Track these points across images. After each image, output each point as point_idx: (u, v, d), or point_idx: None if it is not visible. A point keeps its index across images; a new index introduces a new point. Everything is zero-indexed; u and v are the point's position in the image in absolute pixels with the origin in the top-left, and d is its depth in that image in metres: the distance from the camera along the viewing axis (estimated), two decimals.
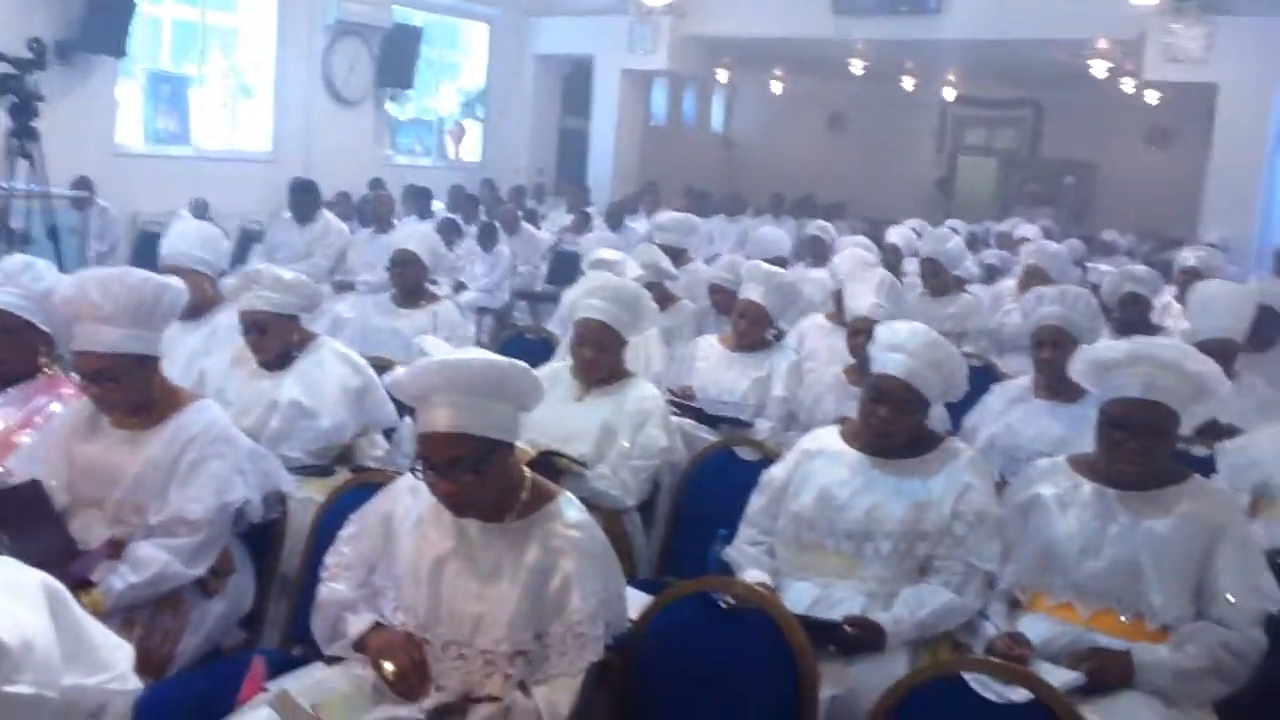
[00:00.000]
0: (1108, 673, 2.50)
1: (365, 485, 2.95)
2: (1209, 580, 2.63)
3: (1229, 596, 2.60)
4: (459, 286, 8.63)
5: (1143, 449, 2.68)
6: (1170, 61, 11.87)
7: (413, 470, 2.31)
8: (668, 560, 3.60)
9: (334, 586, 2.48)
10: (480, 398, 2.22)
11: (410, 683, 2.29)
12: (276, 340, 3.79)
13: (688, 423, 4.25)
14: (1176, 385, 2.68)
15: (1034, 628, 2.69)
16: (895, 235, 8.23)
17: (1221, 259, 7.79)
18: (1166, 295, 7.00)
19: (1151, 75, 12.42)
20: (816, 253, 7.95)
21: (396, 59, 12.63)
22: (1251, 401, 4.35)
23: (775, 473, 3.08)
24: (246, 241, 9.01)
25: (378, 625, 2.39)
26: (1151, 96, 16.39)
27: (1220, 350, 4.09)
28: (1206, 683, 2.53)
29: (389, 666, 2.29)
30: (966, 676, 2.24)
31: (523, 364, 2.31)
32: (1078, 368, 2.92)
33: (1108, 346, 2.84)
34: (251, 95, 12.50)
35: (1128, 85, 15.90)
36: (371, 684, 2.34)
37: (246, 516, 2.95)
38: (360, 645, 2.37)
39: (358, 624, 2.39)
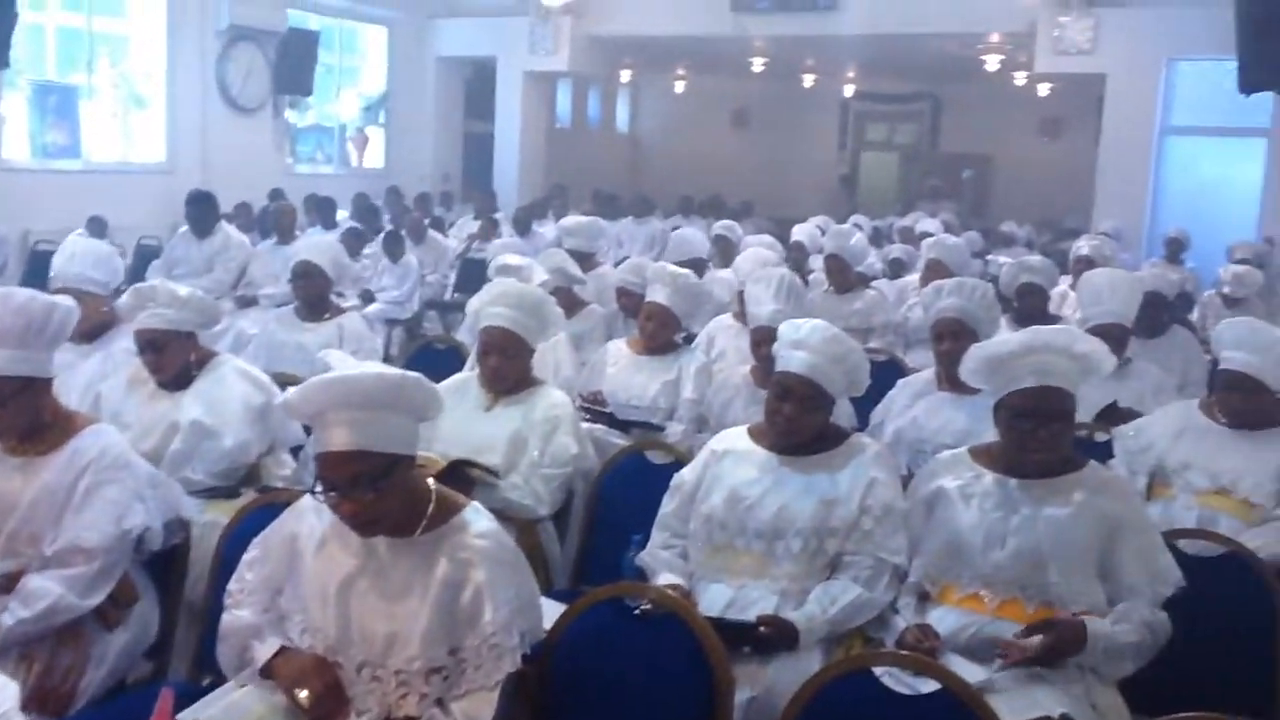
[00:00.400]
0: (1065, 642, 2.53)
1: (271, 506, 2.89)
2: (1112, 566, 2.71)
3: (1131, 587, 2.68)
4: (367, 297, 8.52)
5: (1051, 435, 2.75)
6: (1059, 54, 12.19)
7: (313, 492, 2.26)
8: (584, 569, 3.59)
9: (238, 614, 2.42)
10: (376, 412, 2.18)
11: (327, 707, 2.26)
12: (174, 359, 3.70)
13: (599, 429, 4.26)
14: (1068, 368, 2.77)
15: (943, 619, 2.74)
16: (800, 233, 8.33)
17: (1114, 247, 8.03)
18: (1063, 285, 7.20)
19: (1042, 68, 12.74)
20: (723, 252, 8.01)
21: (294, 64, 12.40)
22: (1146, 386, 4.50)
23: (685, 475, 3.09)
24: (145, 258, 8.78)
25: (284, 650, 2.33)
26: (1043, 89, 16.85)
27: (1110, 335, 4.23)
28: (1130, 658, 2.60)
29: (303, 694, 2.25)
30: (877, 670, 2.27)
31: (417, 375, 2.27)
32: (968, 367, 2.94)
33: (998, 342, 2.91)
34: (144, 105, 12.17)
35: (1020, 78, 16.32)
36: (284, 706, 2.29)
37: (146, 544, 2.87)
38: (268, 671, 2.32)
39: (263, 650, 2.34)
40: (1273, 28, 6.88)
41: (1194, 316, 7.95)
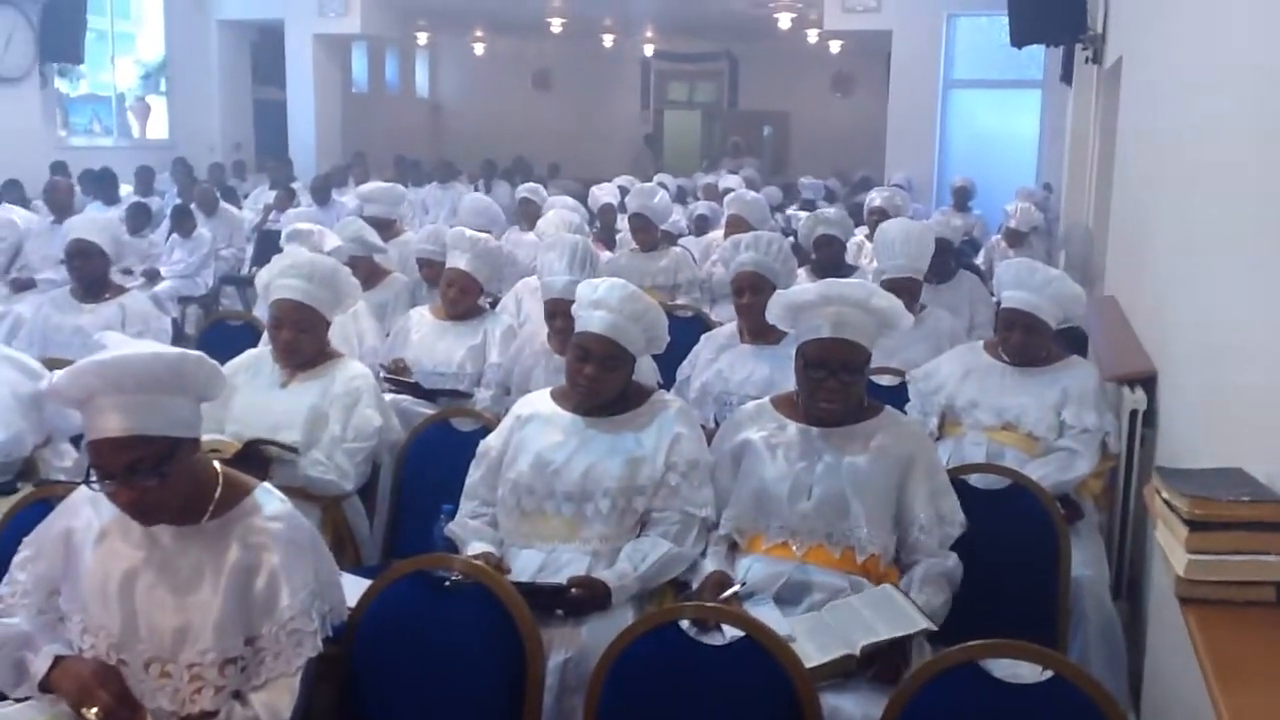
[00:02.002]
0: (889, 669, 2.46)
1: (47, 500, 2.70)
2: (902, 508, 2.82)
3: (921, 528, 2.79)
4: (152, 275, 8.09)
5: (841, 385, 2.83)
6: (847, 11, 12.57)
7: (87, 482, 2.11)
8: (394, 543, 3.51)
9: (8, 622, 2.25)
10: (151, 394, 2.05)
11: (121, 717, 2.12)
12: None
13: (405, 399, 4.16)
14: (864, 322, 2.85)
15: (754, 568, 2.80)
16: (604, 193, 8.33)
17: (905, 198, 8.34)
18: (859, 235, 7.43)
19: (832, 25, 13.09)
20: (528, 215, 7.94)
21: (60, 30, 11.55)
22: (943, 332, 4.66)
23: (491, 442, 3.05)
24: None
25: (60, 660, 2.18)
26: (834, 46, 17.35)
27: (905, 289, 4.38)
28: (943, 613, 2.69)
29: (92, 711, 2.10)
30: (682, 623, 2.29)
31: (197, 354, 2.15)
32: (774, 312, 3.03)
33: (799, 290, 2.97)
34: None
35: (812, 36, 16.73)
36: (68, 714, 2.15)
37: None
38: (46, 685, 2.16)
39: (39, 662, 2.18)
40: None
41: (980, 261, 8.37)
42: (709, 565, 2.83)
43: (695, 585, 2.79)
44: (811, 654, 2.42)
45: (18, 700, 2.23)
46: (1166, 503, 2.03)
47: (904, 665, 2.46)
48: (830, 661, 2.43)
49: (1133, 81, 5.31)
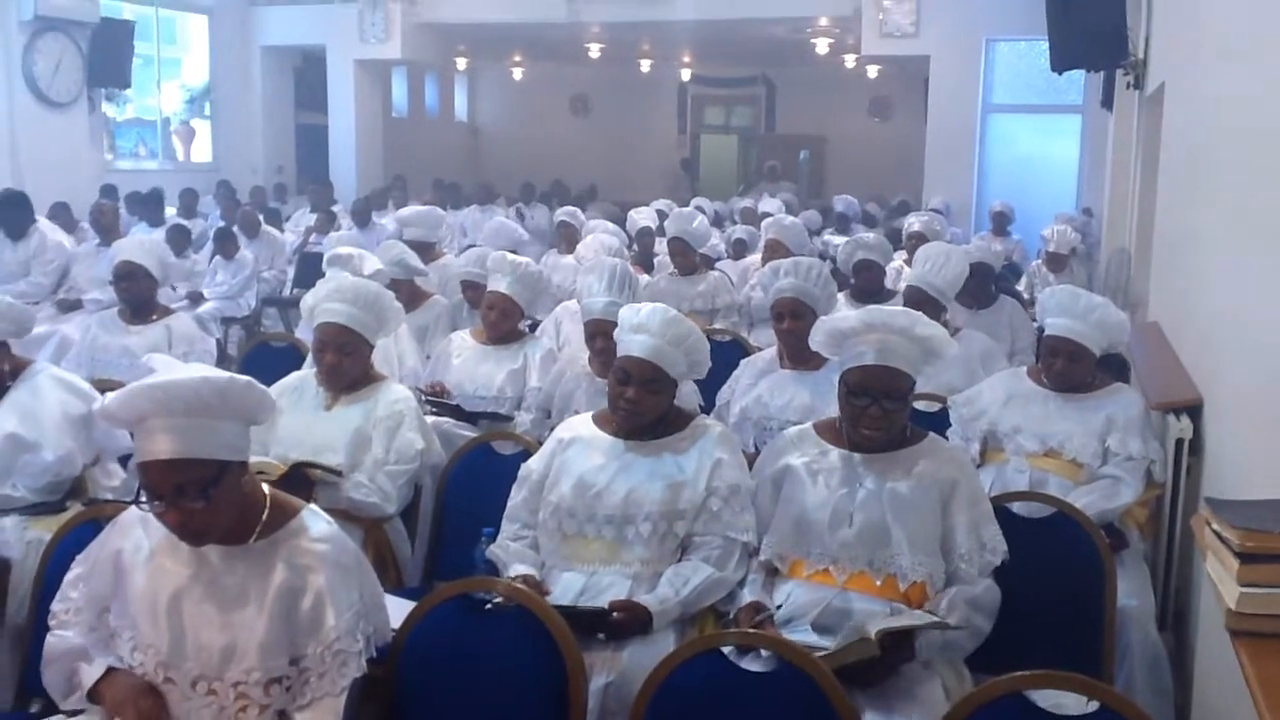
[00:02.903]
0: (894, 651, 2.50)
1: (96, 520, 2.76)
2: (945, 536, 2.79)
3: (962, 556, 2.76)
4: (195, 298, 8.20)
5: (884, 413, 2.81)
6: (884, 37, 12.55)
7: (136, 502, 2.14)
8: (435, 565, 3.54)
9: (63, 635, 2.30)
10: (200, 418, 2.08)
11: None
12: None
13: (446, 421, 4.19)
14: (908, 349, 2.83)
15: (795, 593, 2.79)
16: (642, 217, 8.36)
17: (943, 222, 8.32)
18: (897, 260, 7.42)
19: (869, 50, 13.08)
20: (567, 238, 7.98)
21: (108, 56, 11.76)
22: (974, 353, 4.65)
23: (533, 465, 3.07)
24: None
25: (111, 672, 2.22)
26: (872, 70, 17.34)
27: (917, 300, 4.42)
28: (964, 642, 2.67)
29: None
30: (724, 649, 2.29)
31: (246, 378, 2.17)
32: (817, 339, 3.02)
33: (842, 317, 2.96)
34: None
35: (849, 61, 16.73)
36: None
37: None
38: (95, 696, 2.20)
39: (90, 673, 2.22)
40: (1077, 8, 7.18)
41: (1021, 287, 8.32)
42: (746, 595, 2.82)
43: (733, 614, 2.78)
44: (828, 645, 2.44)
45: (70, 714, 2.26)
46: (1216, 534, 2.01)
47: (910, 656, 2.46)
48: (847, 646, 2.43)
49: (1176, 107, 5.27)
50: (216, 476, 2.10)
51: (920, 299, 4.57)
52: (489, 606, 2.45)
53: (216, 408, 2.10)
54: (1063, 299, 3.66)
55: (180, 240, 8.64)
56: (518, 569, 2.87)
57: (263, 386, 2.21)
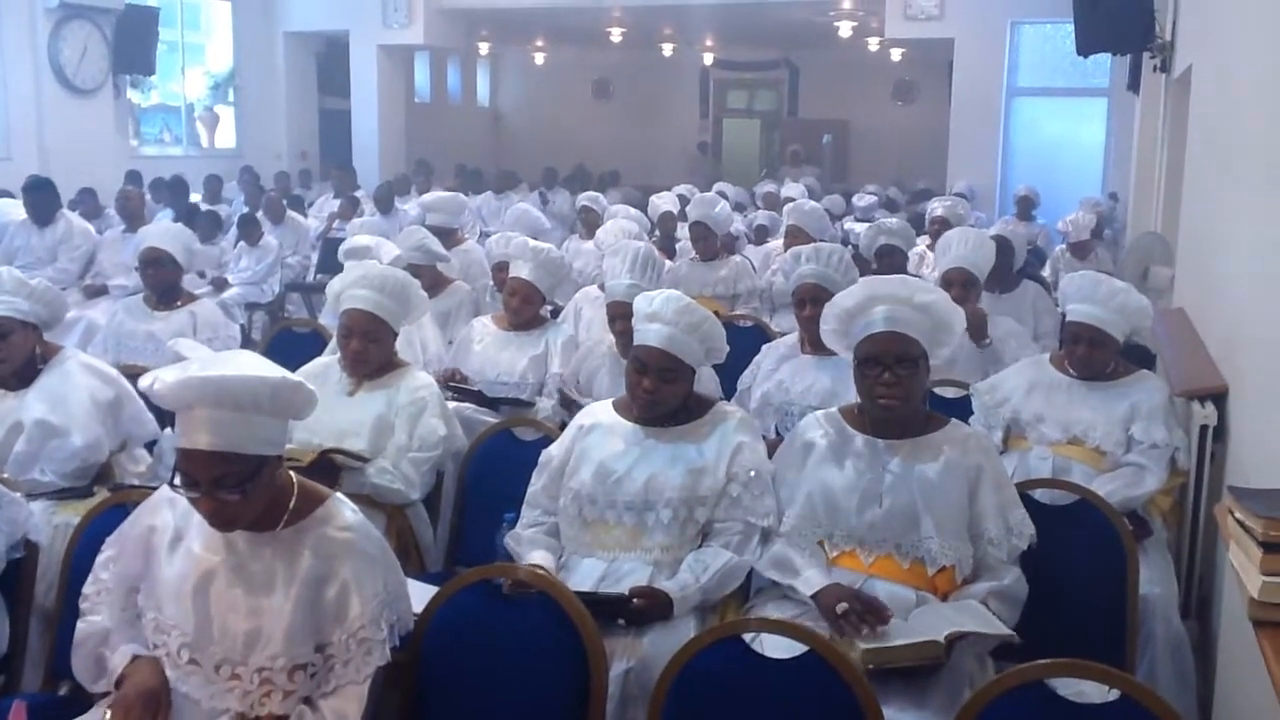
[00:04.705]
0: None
1: (122, 505, 2.78)
2: (972, 521, 2.78)
3: (991, 540, 2.75)
4: (219, 284, 8.25)
5: (896, 379, 2.78)
6: (908, 19, 12.48)
7: (171, 484, 2.17)
8: (457, 550, 3.56)
9: (92, 619, 2.33)
10: (247, 413, 2.10)
11: None
12: (18, 350, 3.54)
13: (468, 407, 4.20)
14: (914, 317, 2.82)
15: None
16: (664, 202, 8.34)
17: (967, 207, 8.27)
18: (920, 245, 7.38)
19: (893, 33, 13.01)
20: (588, 223, 7.98)
21: (133, 43, 11.84)
22: (996, 334, 4.62)
23: (553, 451, 3.08)
24: None
25: (136, 660, 2.24)
26: (895, 54, 17.23)
27: (958, 279, 4.37)
28: (983, 640, 2.62)
29: (106, 715, 2.16)
30: (745, 636, 2.30)
31: (295, 378, 2.18)
32: (826, 328, 3.00)
33: (845, 294, 2.95)
34: None
35: (873, 44, 16.64)
36: None
37: None
38: (120, 684, 2.23)
39: (116, 660, 2.26)
40: None
41: (1046, 272, 8.27)
42: (816, 576, 2.73)
43: (807, 594, 2.70)
44: (895, 637, 2.43)
45: (103, 696, 2.29)
46: (1240, 523, 2.00)
47: (943, 659, 2.43)
48: (913, 645, 2.41)
49: (1203, 90, 5.22)
50: (254, 471, 2.12)
51: (965, 279, 4.61)
52: (505, 590, 2.47)
53: (265, 405, 2.12)
54: (1084, 285, 3.64)
55: (210, 226, 8.70)
56: (533, 556, 2.88)
57: (310, 387, 2.22)
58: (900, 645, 2.41)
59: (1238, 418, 3.47)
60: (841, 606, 2.55)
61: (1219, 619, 3.35)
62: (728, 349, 3.11)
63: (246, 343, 6.84)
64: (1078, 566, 2.95)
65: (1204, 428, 3.60)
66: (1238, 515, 2.01)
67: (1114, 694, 2.06)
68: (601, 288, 5.37)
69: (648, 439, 2.96)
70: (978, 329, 4.46)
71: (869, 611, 2.53)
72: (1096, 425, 3.54)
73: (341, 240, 7.79)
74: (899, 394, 2.80)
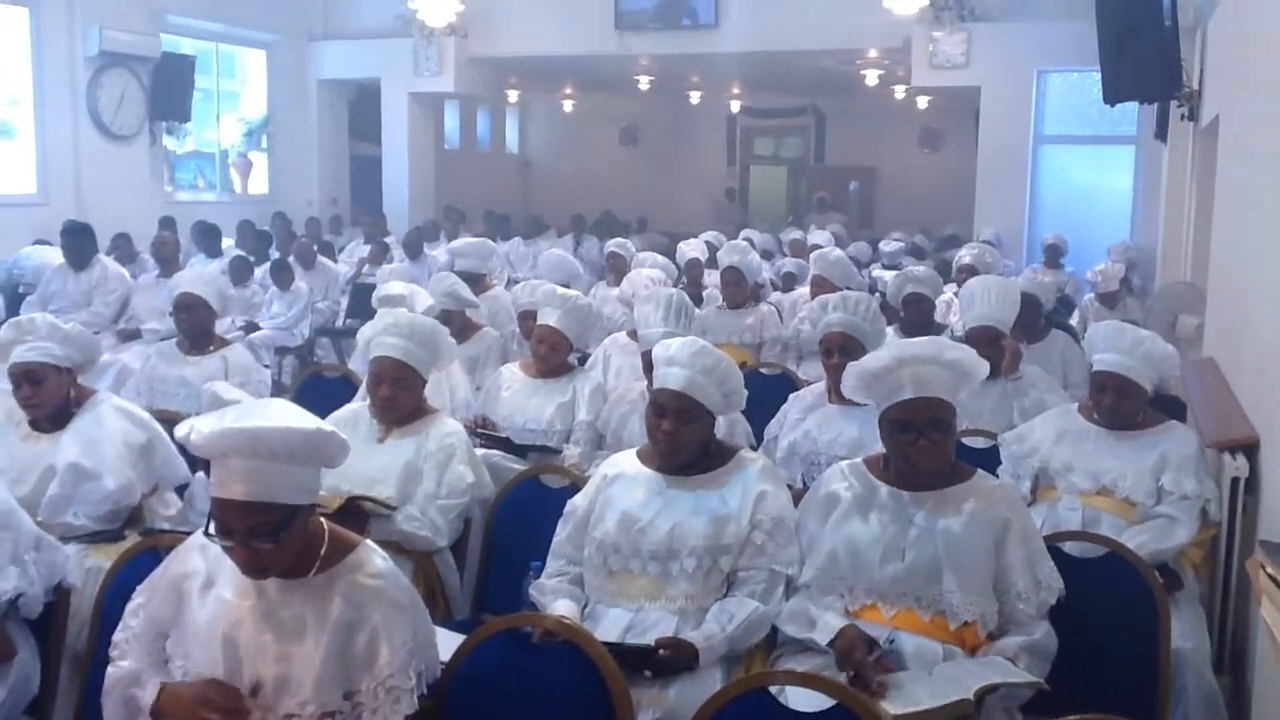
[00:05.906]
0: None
1: (154, 550, 2.81)
2: (999, 575, 2.76)
3: (1019, 595, 2.73)
4: (250, 327, 8.34)
5: (933, 444, 2.79)
6: (935, 68, 12.51)
7: (205, 533, 2.20)
8: (484, 597, 3.56)
9: (121, 664, 2.35)
10: (281, 463, 2.13)
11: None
12: (52, 395, 3.59)
13: (495, 454, 4.22)
14: (942, 377, 2.82)
15: None
16: (691, 249, 8.38)
17: (995, 254, 8.27)
18: (948, 293, 7.38)
19: (919, 81, 13.05)
20: (616, 270, 8.02)
21: (169, 90, 12.07)
22: (1040, 391, 4.59)
23: (577, 501, 3.09)
24: (15, 293, 8.45)
25: (165, 688, 2.26)
26: (922, 101, 17.29)
27: (983, 337, 4.35)
28: (1022, 690, 2.59)
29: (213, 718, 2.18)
30: (772, 689, 2.29)
31: (329, 427, 2.22)
32: (849, 384, 2.99)
33: (871, 358, 2.95)
34: (12, 135, 11.71)
35: (899, 92, 16.71)
36: None
37: (22, 609, 2.76)
38: (157, 712, 2.24)
39: (146, 694, 2.27)
40: (1131, 40, 7.13)
41: (1075, 321, 8.24)
42: (833, 620, 2.74)
43: (824, 642, 2.71)
44: (923, 699, 2.41)
45: None
46: (1272, 578, 1.99)
47: (974, 717, 2.41)
48: (945, 705, 2.39)
49: (1231, 139, 5.22)
50: (288, 520, 2.15)
51: (990, 336, 4.43)
52: (533, 639, 2.47)
53: (299, 455, 2.16)
54: (1108, 334, 3.64)
55: (243, 271, 8.80)
56: (557, 607, 2.88)
57: (343, 436, 2.25)
58: (930, 708, 2.39)
59: (1269, 469, 3.44)
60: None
61: (1253, 674, 3.31)
62: (746, 393, 3.11)
63: (276, 387, 6.90)
64: (1108, 620, 2.93)
65: (1235, 480, 3.57)
66: (1269, 571, 2.00)
67: None
68: (631, 335, 5.41)
69: (670, 488, 2.96)
70: (1011, 364, 4.46)
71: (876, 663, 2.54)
72: (1126, 475, 3.51)
73: (371, 285, 7.89)
74: (936, 457, 2.82)
